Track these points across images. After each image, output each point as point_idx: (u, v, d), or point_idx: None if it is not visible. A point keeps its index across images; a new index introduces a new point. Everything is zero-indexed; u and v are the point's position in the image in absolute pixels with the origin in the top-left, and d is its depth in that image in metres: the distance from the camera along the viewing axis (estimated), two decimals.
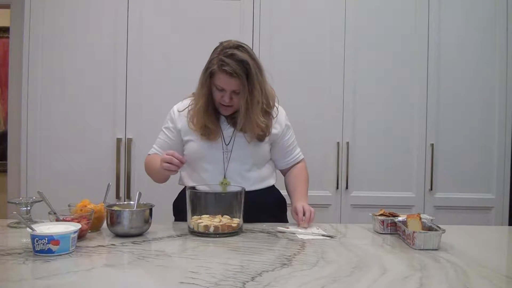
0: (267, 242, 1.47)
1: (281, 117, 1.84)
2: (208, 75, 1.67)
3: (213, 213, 1.56)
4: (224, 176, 1.75)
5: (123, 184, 2.72)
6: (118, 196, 2.70)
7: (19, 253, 1.27)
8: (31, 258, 1.23)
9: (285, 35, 2.76)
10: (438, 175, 2.79)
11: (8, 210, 2.71)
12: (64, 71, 2.72)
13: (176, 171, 1.63)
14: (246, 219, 1.60)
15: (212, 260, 1.26)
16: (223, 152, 1.75)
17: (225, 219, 1.55)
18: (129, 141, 2.73)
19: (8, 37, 3.30)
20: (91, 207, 1.53)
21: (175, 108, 1.86)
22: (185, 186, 1.68)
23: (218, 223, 1.52)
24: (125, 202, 1.69)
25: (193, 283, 1.07)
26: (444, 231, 1.42)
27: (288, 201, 1.91)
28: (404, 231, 1.48)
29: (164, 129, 1.85)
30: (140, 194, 1.62)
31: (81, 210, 1.51)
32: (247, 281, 1.08)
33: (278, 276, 1.13)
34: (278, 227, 1.64)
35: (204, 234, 1.51)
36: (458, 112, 2.79)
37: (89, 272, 1.16)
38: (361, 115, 2.78)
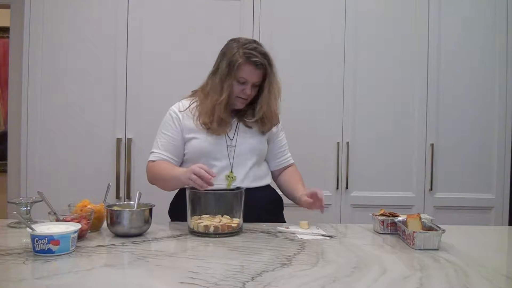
0: (267, 242, 1.47)
1: None
2: (232, 68, 1.70)
3: (213, 213, 1.57)
4: (231, 170, 1.76)
5: (123, 184, 2.72)
6: (118, 196, 2.70)
7: (19, 253, 1.27)
8: (31, 258, 1.23)
9: (285, 35, 2.76)
10: (438, 175, 2.79)
11: (8, 210, 2.71)
12: (64, 71, 2.72)
13: (202, 187, 1.52)
14: (245, 217, 1.60)
15: (212, 260, 1.26)
16: (227, 146, 1.77)
17: (225, 219, 1.55)
18: (129, 141, 2.73)
19: (8, 37, 3.30)
20: (91, 207, 1.53)
21: (175, 109, 1.85)
22: (185, 187, 1.68)
23: (218, 223, 1.52)
24: (125, 202, 1.69)
25: (193, 283, 1.07)
26: (444, 231, 1.42)
27: (285, 200, 1.92)
28: (404, 231, 1.48)
29: (164, 132, 1.81)
30: (140, 194, 1.62)
31: (81, 210, 1.51)
32: (247, 281, 1.08)
33: (278, 276, 1.13)
34: (278, 227, 1.64)
35: (204, 234, 1.51)
36: (458, 112, 2.79)
37: (89, 272, 1.16)
38: (361, 115, 2.78)
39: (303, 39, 2.77)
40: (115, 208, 1.53)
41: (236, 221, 1.55)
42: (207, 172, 1.53)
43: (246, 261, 1.26)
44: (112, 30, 2.71)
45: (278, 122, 1.86)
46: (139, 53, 2.72)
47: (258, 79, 1.73)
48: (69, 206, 1.55)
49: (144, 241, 1.46)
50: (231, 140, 1.78)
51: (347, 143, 2.77)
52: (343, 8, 2.76)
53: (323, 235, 1.56)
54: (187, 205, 1.57)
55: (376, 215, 1.65)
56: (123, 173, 2.72)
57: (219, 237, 1.50)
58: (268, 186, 1.88)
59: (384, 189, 2.78)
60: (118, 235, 1.49)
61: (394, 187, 2.79)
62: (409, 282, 1.11)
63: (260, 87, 1.77)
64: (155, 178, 1.78)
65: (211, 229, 1.50)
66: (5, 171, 3.04)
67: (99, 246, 1.38)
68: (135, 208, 1.55)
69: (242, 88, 1.72)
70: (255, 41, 1.78)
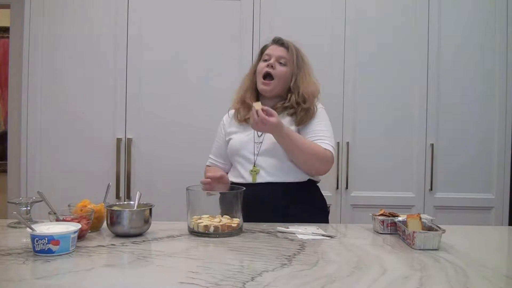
0: (267, 242, 1.47)
1: None
2: (261, 53, 1.92)
3: (213, 213, 1.57)
4: (254, 164, 1.81)
5: (123, 184, 2.72)
6: (118, 196, 2.70)
7: (19, 253, 1.27)
8: (31, 258, 1.23)
9: (285, 35, 2.74)
10: (438, 175, 2.79)
11: (8, 210, 2.71)
12: (64, 71, 2.72)
13: (210, 188, 1.70)
14: (269, 211, 1.67)
15: (212, 260, 1.26)
16: (254, 143, 1.83)
17: (225, 219, 1.55)
18: (129, 141, 2.73)
19: (8, 37, 3.30)
20: (91, 207, 1.53)
21: (223, 118, 2.02)
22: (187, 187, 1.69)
23: (218, 223, 1.52)
24: (125, 202, 1.69)
25: (193, 283, 1.07)
26: (444, 231, 1.42)
27: (329, 201, 1.97)
28: (404, 231, 1.48)
29: (216, 139, 2.01)
30: (140, 194, 1.62)
31: (81, 210, 1.51)
32: (247, 281, 1.08)
33: (278, 276, 1.13)
34: (278, 227, 1.64)
35: (204, 234, 1.51)
36: (458, 112, 2.79)
37: (89, 272, 1.15)
38: (361, 115, 2.78)
39: (303, 39, 2.73)
40: (115, 208, 1.53)
41: (236, 221, 1.55)
42: (205, 181, 1.70)
43: (246, 261, 1.26)
44: (112, 30, 2.72)
45: (315, 110, 1.85)
46: (139, 53, 2.72)
47: (282, 53, 1.85)
48: (69, 206, 1.55)
49: (144, 241, 1.46)
50: (259, 137, 1.84)
51: (347, 143, 2.77)
52: (343, 8, 2.76)
53: (323, 235, 1.56)
54: (187, 205, 1.58)
55: (376, 215, 1.65)
56: (123, 173, 2.72)
57: (219, 237, 1.50)
58: (309, 183, 1.84)
59: (384, 189, 2.78)
60: (118, 235, 1.49)
61: (394, 187, 2.79)
62: (409, 282, 1.11)
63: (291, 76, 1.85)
64: None
65: (211, 229, 1.50)
66: (5, 171, 3.04)
67: (99, 246, 1.38)
68: (135, 208, 1.55)
69: (266, 64, 1.84)
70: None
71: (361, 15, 2.77)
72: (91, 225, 1.47)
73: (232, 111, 1.98)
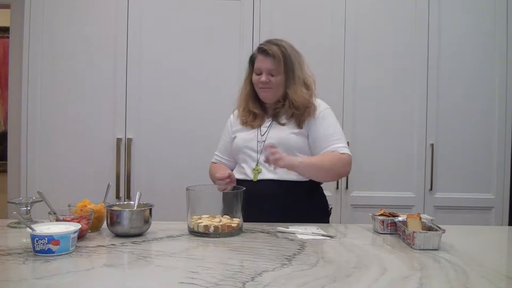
0: (267, 242, 1.47)
1: (316, 110, 1.87)
2: (250, 62, 1.91)
3: (213, 213, 1.57)
4: (257, 163, 1.83)
5: (123, 184, 2.72)
6: (118, 196, 2.70)
7: (19, 253, 1.27)
8: (31, 258, 1.23)
9: (285, 35, 2.73)
10: (438, 175, 2.79)
11: (8, 210, 2.71)
12: (64, 71, 2.72)
13: (226, 187, 1.73)
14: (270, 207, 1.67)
15: (212, 260, 1.26)
16: (257, 142, 1.85)
17: (225, 219, 1.55)
18: (129, 141, 2.72)
19: (8, 37, 3.30)
20: (91, 207, 1.54)
21: (231, 115, 2.03)
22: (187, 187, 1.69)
23: (218, 223, 1.52)
24: (125, 202, 1.69)
25: (193, 283, 1.07)
26: (444, 231, 1.42)
27: (329, 201, 1.95)
28: (404, 231, 1.48)
29: (222, 136, 2.03)
30: (140, 194, 1.62)
31: (81, 210, 1.51)
32: (247, 281, 1.08)
33: (278, 276, 1.13)
34: (278, 227, 1.64)
35: (204, 234, 1.51)
36: (458, 112, 2.79)
37: (89, 272, 1.16)
38: (361, 115, 2.78)
39: (303, 39, 2.75)
40: (115, 208, 1.53)
41: (236, 221, 1.55)
42: (221, 178, 1.72)
43: (246, 261, 1.26)
44: (112, 30, 2.71)
45: (314, 109, 1.84)
46: (139, 53, 2.72)
47: (270, 66, 1.81)
48: (69, 206, 1.55)
49: (144, 241, 1.46)
50: (262, 136, 1.86)
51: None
52: (343, 8, 2.76)
53: (323, 235, 1.56)
54: (187, 205, 1.58)
55: (376, 215, 1.65)
56: (123, 173, 2.72)
57: (219, 237, 1.50)
58: (310, 184, 1.83)
59: (384, 189, 2.78)
60: (118, 235, 1.49)
61: (394, 187, 2.79)
62: (409, 282, 1.11)
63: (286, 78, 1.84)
64: (211, 179, 1.96)
65: (211, 229, 1.51)
66: (5, 171, 3.04)
67: (99, 246, 1.38)
68: (135, 208, 1.55)
69: (259, 78, 1.83)
70: (278, 39, 1.92)
71: (361, 15, 2.77)
72: (91, 225, 1.47)
73: (236, 112, 1.99)
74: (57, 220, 1.41)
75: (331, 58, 2.76)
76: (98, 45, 2.72)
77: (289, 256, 1.31)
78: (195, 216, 1.56)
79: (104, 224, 1.56)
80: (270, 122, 1.88)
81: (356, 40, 2.77)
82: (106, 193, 1.67)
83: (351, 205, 2.78)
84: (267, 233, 1.59)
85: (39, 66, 2.69)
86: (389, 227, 1.61)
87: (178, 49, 2.74)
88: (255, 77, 1.85)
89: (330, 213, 1.95)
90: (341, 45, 2.76)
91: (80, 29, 2.71)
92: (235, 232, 1.54)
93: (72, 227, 1.31)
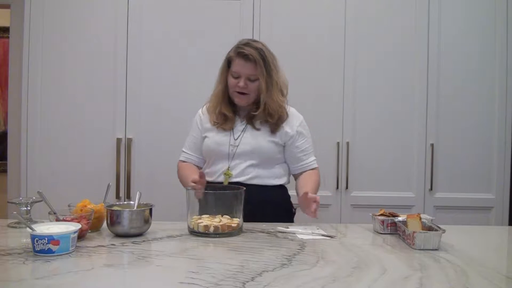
0: (267, 242, 1.47)
1: (293, 120, 1.89)
2: (226, 63, 1.84)
3: (213, 213, 1.57)
4: (228, 168, 1.81)
5: (123, 184, 2.72)
6: (118, 196, 2.70)
7: (19, 253, 1.27)
8: (31, 258, 1.23)
9: (285, 35, 2.76)
10: (438, 175, 2.79)
11: (8, 210, 2.71)
12: (64, 71, 2.72)
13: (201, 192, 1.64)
14: (248, 215, 1.61)
15: (212, 260, 1.26)
16: (229, 146, 1.83)
17: (225, 219, 1.55)
18: (129, 141, 2.73)
19: (8, 37, 3.30)
20: (91, 207, 1.53)
21: (199, 111, 1.98)
22: (187, 187, 1.68)
23: (218, 223, 1.52)
24: (125, 202, 1.69)
25: (193, 283, 1.07)
26: (444, 231, 1.42)
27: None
28: (404, 231, 1.48)
29: (190, 133, 1.97)
30: (140, 194, 1.62)
31: (81, 210, 1.51)
32: (247, 281, 1.08)
33: (278, 276, 1.13)
34: (278, 227, 1.64)
35: (204, 234, 1.51)
36: (458, 112, 2.79)
37: (89, 272, 1.16)
38: (361, 115, 2.78)
39: (302, 39, 2.77)
40: (115, 208, 1.53)
41: (236, 221, 1.55)
42: (196, 185, 1.63)
43: (246, 261, 1.26)
44: (112, 30, 2.71)
45: (287, 116, 1.86)
46: (139, 53, 2.72)
47: (250, 71, 1.78)
48: (69, 206, 1.55)
49: (144, 241, 1.46)
50: (235, 140, 1.84)
51: (347, 143, 2.77)
52: (343, 8, 2.76)
53: (323, 235, 1.56)
54: (187, 205, 1.58)
55: (376, 215, 1.65)
56: (123, 173, 2.72)
57: (219, 237, 1.50)
58: (278, 187, 1.86)
59: (384, 189, 2.78)
60: (118, 235, 1.49)
61: (394, 187, 2.79)
62: (409, 282, 1.11)
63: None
64: (180, 180, 1.92)
65: (211, 229, 1.51)
66: (5, 171, 3.03)
67: (99, 246, 1.38)
68: (135, 208, 1.55)
69: (236, 82, 1.80)
70: (253, 40, 1.89)
71: (361, 15, 2.77)
72: (91, 225, 1.47)
73: (206, 107, 1.94)
74: (57, 220, 1.41)
75: (331, 58, 2.76)
76: (98, 45, 2.72)
77: (289, 256, 1.31)
78: (195, 216, 1.56)
79: (104, 224, 1.56)
80: (244, 126, 1.86)
81: (356, 40, 2.77)
82: (106, 193, 1.67)
83: (351, 205, 2.78)
84: (267, 233, 1.59)
85: (39, 66, 2.70)
86: (389, 227, 1.61)
87: (178, 49, 2.74)
88: (232, 81, 1.81)
89: (295, 212, 1.93)
90: (341, 45, 2.76)
91: (80, 29, 2.72)
92: (235, 232, 1.54)
93: (72, 227, 1.31)
